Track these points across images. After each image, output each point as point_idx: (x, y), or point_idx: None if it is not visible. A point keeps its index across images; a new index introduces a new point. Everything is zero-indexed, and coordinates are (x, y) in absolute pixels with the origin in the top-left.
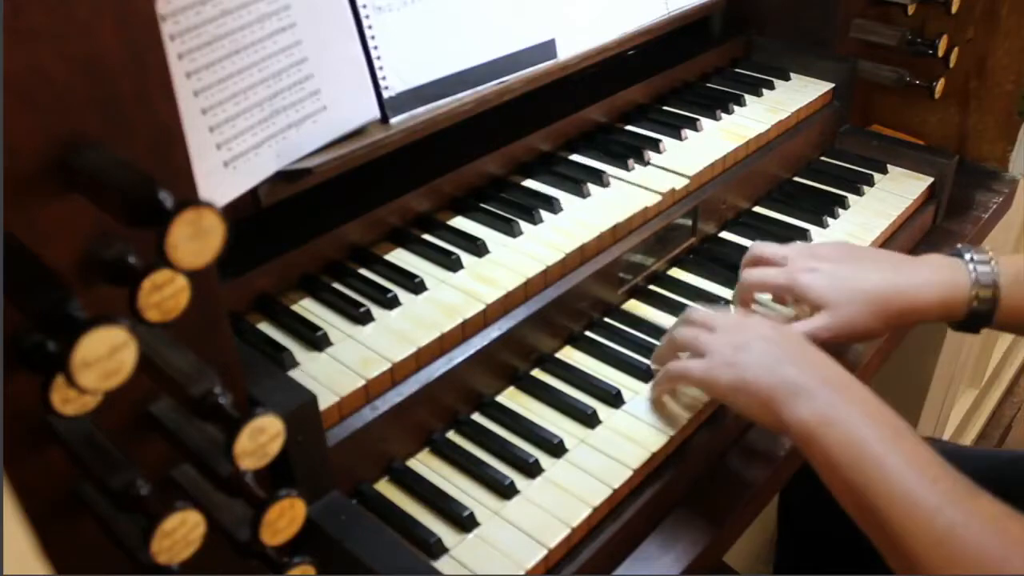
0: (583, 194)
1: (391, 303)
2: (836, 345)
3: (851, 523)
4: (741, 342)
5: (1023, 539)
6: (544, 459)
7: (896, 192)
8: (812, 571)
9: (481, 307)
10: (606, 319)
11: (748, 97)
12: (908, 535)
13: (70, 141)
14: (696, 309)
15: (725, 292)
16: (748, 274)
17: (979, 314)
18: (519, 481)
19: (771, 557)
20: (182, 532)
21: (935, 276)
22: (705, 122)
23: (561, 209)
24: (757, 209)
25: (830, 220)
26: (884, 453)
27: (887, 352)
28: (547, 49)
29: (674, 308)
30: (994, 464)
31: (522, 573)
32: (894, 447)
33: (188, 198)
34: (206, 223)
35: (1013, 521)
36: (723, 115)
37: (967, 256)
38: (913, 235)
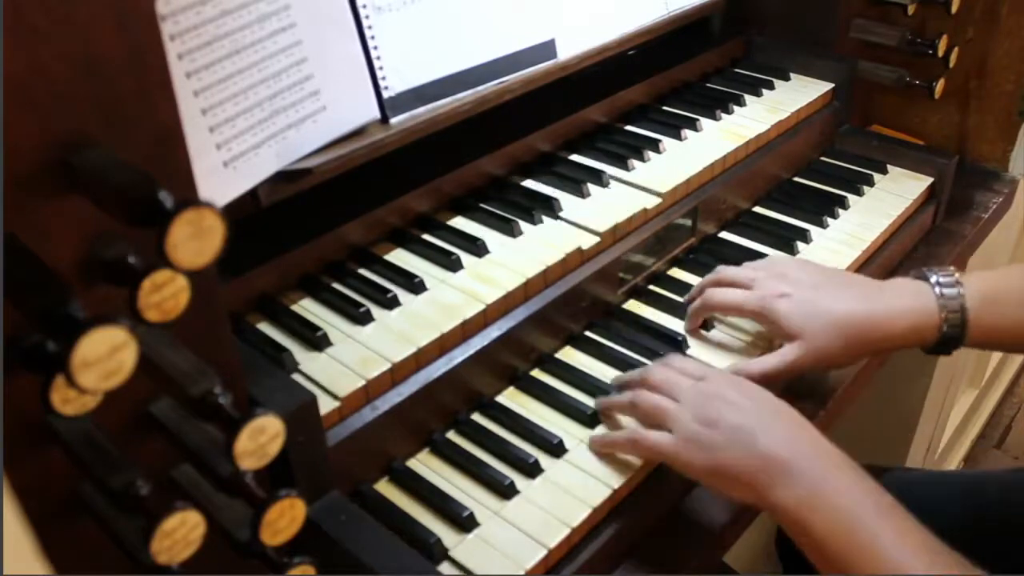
0: (583, 194)
1: (391, 303)
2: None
3: None
4: (710, 416)
5: None
6: (544, 459)
7: (896, 192)
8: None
9: (481, 307)
10: (606, 319)
11: (748, 97)
12: None
13: (70, 141)
14: (652, 368)
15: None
16: (714, 293)
17: (950, 337)
18: (519, 481)
19: (771, 557)
20: (182, 532)
21: (904, 302)
22: (705, 122)
23: (561, 209)
24: (757, 209)
25: (830, 220)
26: (875, 533)
27: (868, 377)
28: (547, 49)
29: (674, 308)
30: (973, 487)
31: (522, 573)
32: (884, 524)
33: (188, 198)
34: (206, 223)
35: None
36: (723, 115)
37: (932, 279)
38: (913, 235)
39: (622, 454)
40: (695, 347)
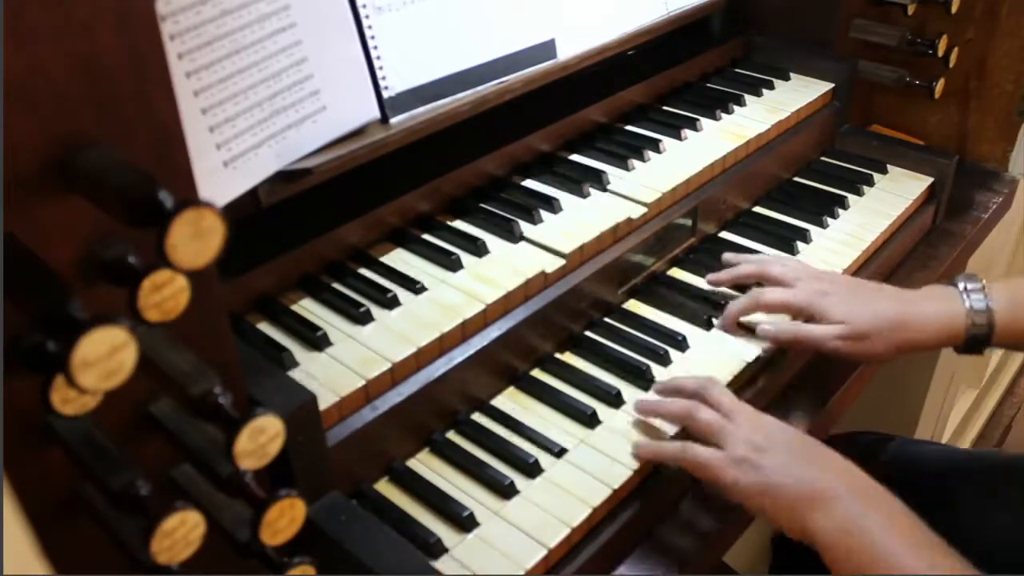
0: (583, 194)
1: (391, 303)
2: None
3: None
4: (762, 442)
5: None
6: (544, 459)
7: (896, 192)
8: (809, 571)
9: (481, 307)
10: (606, 319)
11: (748, 97)
12: None
13: (70, 141)
14: (712, 386)
15: (725, 292)
16: (764, 293)
17: (977, 339)
18: (519, 481)
19: (770, 557)
20: (182, 532)
21: (935, 306)
22: (705, 122)
23: (561, 209)
24: (757, 209)
25: (830, 220)
26: (910, 565)
27: (869, 377)
28: (547, 49)
29: (674, 308)
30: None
31: (522, 573)
32: (918, 558)
33: (188, 198)
34: (206, 223)
35: None
36: (723, 115)
37: (960, 286)
38: (913, 235)
39: (665, 459)
40: (703, 343)
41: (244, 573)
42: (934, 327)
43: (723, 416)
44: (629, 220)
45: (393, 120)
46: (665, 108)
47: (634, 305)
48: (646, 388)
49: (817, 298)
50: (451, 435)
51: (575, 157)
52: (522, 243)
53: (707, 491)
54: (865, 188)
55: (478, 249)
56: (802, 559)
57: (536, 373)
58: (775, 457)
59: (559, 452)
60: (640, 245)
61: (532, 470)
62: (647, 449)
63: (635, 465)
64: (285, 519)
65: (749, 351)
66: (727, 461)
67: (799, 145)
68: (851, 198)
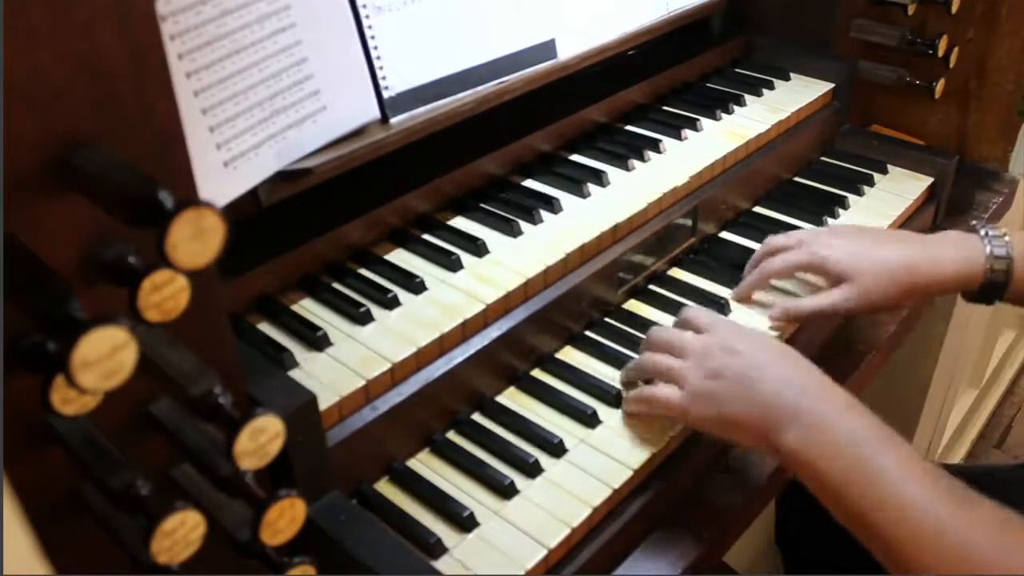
0: (583, 194)
1: (391, 303)
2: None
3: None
4: (714, 368)
5: None
6: (544, 459)
7: (896, 192)
8: (810, 570)
9: (481, 307)
10: (606, 319)
11: (748, 97)
12: (907, 543)
13: (70, 141)
14: (659, 328)
15: (725, 292)
16: (769, 263)
17: (993, 285)
18: (519, 481)
19: (771, 557)
20: (182, 532)
21: (951, 249)
22: (705, 122)
23: (561, 209)
24: (757, 209)
25: (830, 220)
26: (879, 464)
27: (870, 377)
28: (547, 49)
29: (674, 308)
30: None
31: (522, 573)
32: (887, 455)
33: (188, 198)
34: (206, 223)
35: (1015, 525)
36: (723, 115)
37: (982, 232)
38: None
39: (644, 415)
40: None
41: (244, 573)
42: (949, 270)
43: (676, 351)
44: (629, 220)
45: (393, 120)
46: (665, 108)
47: (634, 305)
48: None
49: (818, 252)
50: (451, 435)
51: (575, 157)
52: (522, 243)
53: (708, 491)
54: (865, 188)
55: (478, 249)
56: (812, 557)
57: (536, 373)
58: (728, 383)
59: (559, 452)
60: (640, 245)
61: (532, 470)
62: (628, 408)
63: (635, 465)
64: (285, 519)
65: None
66: (686, 399)
67: (799, 145)
68: (851, 198)
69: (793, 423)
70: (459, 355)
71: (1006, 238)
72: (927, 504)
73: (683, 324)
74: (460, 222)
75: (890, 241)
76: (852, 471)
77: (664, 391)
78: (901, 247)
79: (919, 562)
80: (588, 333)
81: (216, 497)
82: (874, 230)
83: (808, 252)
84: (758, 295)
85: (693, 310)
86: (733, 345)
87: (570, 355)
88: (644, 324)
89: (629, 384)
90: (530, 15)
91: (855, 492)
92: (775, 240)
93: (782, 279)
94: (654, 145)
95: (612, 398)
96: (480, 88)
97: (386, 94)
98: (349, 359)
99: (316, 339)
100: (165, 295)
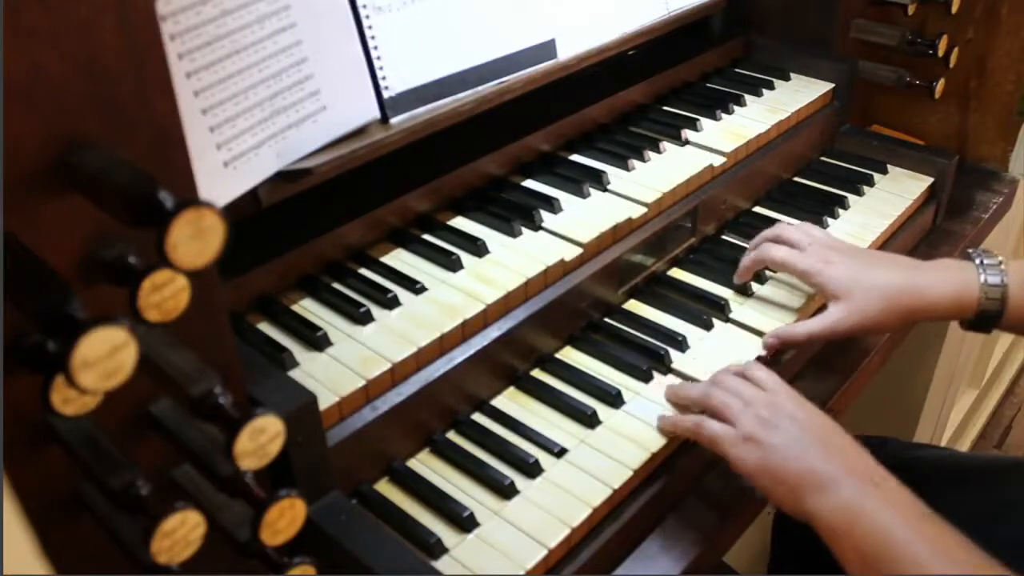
0: (583, 194)
1: (391, 303)
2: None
3: None
4: (770, 419)
5: None
6: (544, 459)
7: (896, 192)
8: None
9: (481, 307)
10: (606, 319)
11: (748, 97)
12: None
13: (70, 141)
14: (727, 375)
15: (725, 292)
16: (771, 249)
17: (988, 314)
18: (519, 481)
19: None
20: (182, 532)
21: (947, 276)
22: (705, 122)
23: (561, 209)
24: (757, 209)
25: (830, 220)
26: (909, 540)
27: (870, 376)
28: (547, 49)
29: (674, 308)
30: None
31: (522, 573)
32: (918, 531)
33: (188, 198)
34: (206, 223)
35: None
36: (723, 115)
37: (977, 260)
38: (913, 235)
39: (680, 433)
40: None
41: (244, 573)
42: (945, 297)
43: (739, 397)
44: (629, 220)
45: (393, 120)
46: (665, 108)
47: (634, 305)
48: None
49: (819, 267)
50: (451, 435)
51: (575, 157)
52: (522, 243)
53: (708, 490)
54: (865, 188)
55: (478, 249)
56: (801, 551)
57: (536, 373)
58: (782, 436)
59: (559, 452)
60: (640, 245)
61: (532, 470)
62: (667, 422)
63: (635, 465)
64: (285, 519)
65: (749, 352)
66: (736, 438)
67: (799, 145)
68: (851, 198)
69: (833, 492)
70: (459, 355)
71: (1002, 267)
72: None
73: (746, 377)
74: (460, 222)
75: (886, 264)
76: (884, 550)
77: (716, 426)
78: (897, 271)
79: None
80: (588, 333)
81: (216, 497)
82: (874, 252)
83: (811, 263)
84: (758, 289)
85: (760, 369)
86: (793, 409)
87: (570, 355)
88: (644, 324)
89: (672, 402)
90: (530, 15)
91: (883, 566)
92: (787, 232)
93: (776, 270)
94: (654, 145)
95: (612, 398)
96: (480, 88)
97: (386, 94)
98: (349, 359)
99: (316, 339)
100: (165, 295)
